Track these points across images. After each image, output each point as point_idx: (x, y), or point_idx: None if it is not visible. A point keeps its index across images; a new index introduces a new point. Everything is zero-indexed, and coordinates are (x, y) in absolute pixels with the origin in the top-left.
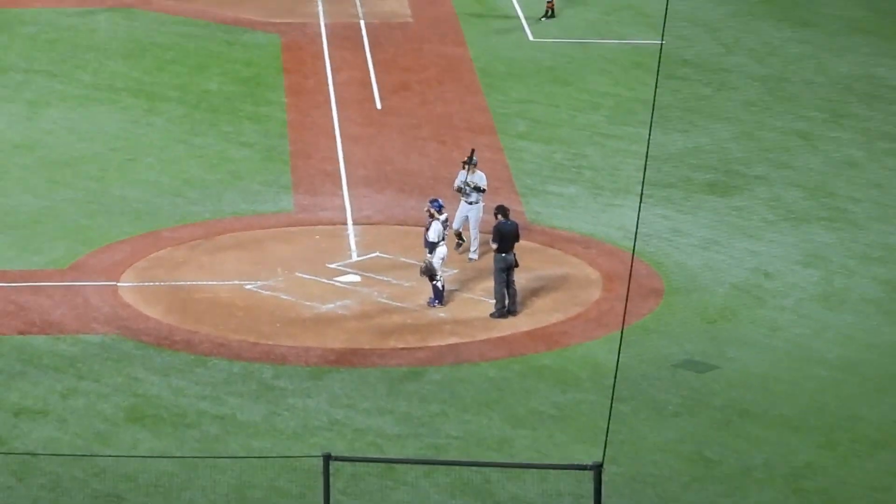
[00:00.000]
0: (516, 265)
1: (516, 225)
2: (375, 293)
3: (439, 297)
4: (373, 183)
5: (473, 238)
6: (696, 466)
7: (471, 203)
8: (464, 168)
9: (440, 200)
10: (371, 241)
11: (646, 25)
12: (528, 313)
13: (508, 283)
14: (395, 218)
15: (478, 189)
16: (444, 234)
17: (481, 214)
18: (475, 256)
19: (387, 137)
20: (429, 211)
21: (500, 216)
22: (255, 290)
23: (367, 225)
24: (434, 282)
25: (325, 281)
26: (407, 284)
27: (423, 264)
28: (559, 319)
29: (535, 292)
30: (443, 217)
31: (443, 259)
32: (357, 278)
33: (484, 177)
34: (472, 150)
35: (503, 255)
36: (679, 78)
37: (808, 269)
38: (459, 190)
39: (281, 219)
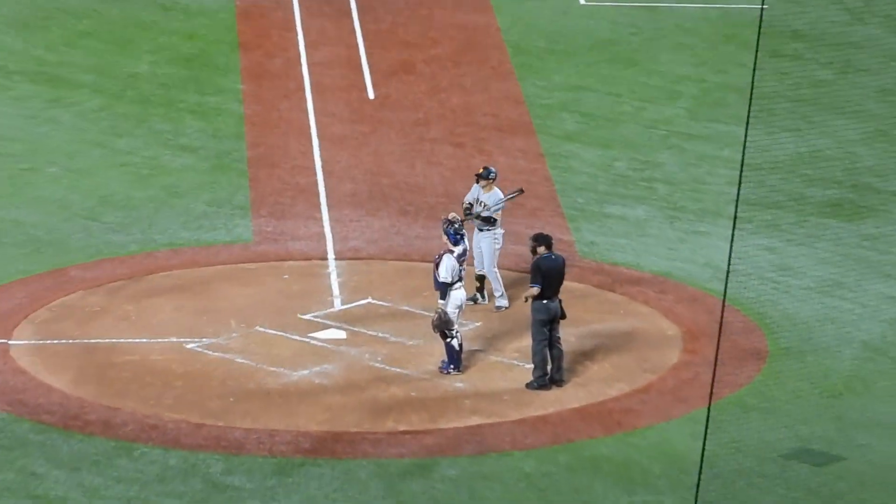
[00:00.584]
0: (563, 316)
1: (563, 260)
2: (367, 355)
3: (455, 360)
4: (363, 202)
5: (493, 279)
6: None
7: (481, 231)
8: (478, 182)
9: (458, 222)
10: (361, 283)
11: None
12: (578, 383)
13: (552, 342)
14: (394, 250)
15: (485, 218)
16: (461, 271)
17: (498, 246)
18: (504, 303)
19: (383, 139)
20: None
21: (540, 248)
22: (199, 350)
23: (355, 260)
24: (448, 339)
25: (298, 338)
26: (410, 343)
27: (434, 315)
28: (622, 392)
29: (588, 354)
30: (459, 249)
31: (460, 307)
32: (342, 334)
33: (501, 194)
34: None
35: (545, 301)
36: (787, 56)
37: None
38: (468, 210)
39: (236, 252)
